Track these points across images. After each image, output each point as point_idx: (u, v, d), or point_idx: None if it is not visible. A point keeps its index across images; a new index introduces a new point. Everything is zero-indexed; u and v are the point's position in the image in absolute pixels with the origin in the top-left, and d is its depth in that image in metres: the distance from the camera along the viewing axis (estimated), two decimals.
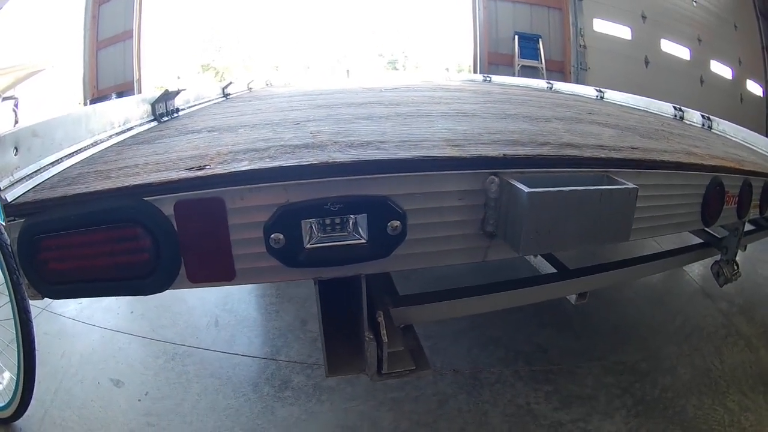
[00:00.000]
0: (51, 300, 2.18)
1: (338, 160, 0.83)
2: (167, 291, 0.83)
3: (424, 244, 0.86)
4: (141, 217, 0.77)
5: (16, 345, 1.48)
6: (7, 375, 1.59)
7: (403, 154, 0.86)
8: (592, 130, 1.51)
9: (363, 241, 0.82)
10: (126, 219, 0.77)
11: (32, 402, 1.50)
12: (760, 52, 6.60)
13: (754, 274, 2.91)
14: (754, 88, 6.51)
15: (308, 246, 0.82)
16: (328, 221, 0.82)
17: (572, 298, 1.36)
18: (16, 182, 0.84)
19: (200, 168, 0.84)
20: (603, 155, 1.05)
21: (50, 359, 1.80)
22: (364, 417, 1.58)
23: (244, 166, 0.84)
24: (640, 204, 1.09)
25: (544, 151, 1.00)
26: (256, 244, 0.81)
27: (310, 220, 0.81)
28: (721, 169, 1.34)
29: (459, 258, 0.90)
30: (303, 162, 0.83)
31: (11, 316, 1.48)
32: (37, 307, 1.92)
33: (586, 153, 1.05)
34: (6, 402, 1.52)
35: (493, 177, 0.85)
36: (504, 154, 0.89)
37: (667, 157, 1.29)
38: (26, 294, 1.42)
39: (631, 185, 0.92)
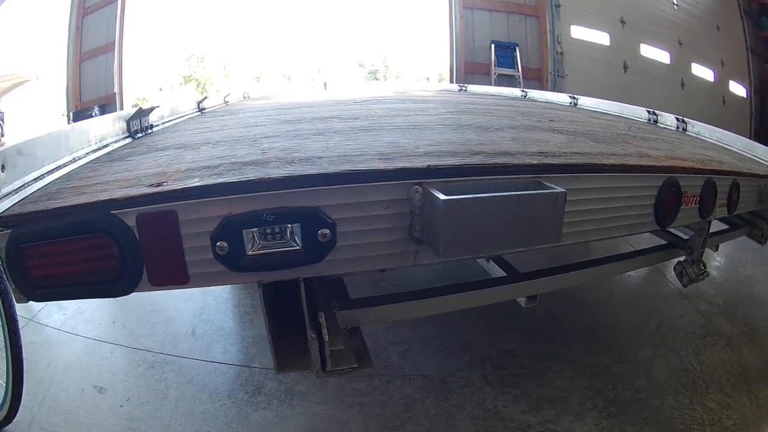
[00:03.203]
0: (37, 311, 2.26)
1: (273, 176, 0.90)
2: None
3: (355, 249, 0.93)
4: (108, 228, 0.86)
5: (4, 354, 1.52)
6: None
7: (332, 169, 0.94)
8: (543, 137, 1.57)
9: (298, 248, 0.90)
10: (96, 230, 0.87)
11: (20, 408, 1.55)
12: (744, 52, 6.64)
13: (736, 273, 2.89)
14: (737, 89, 6.55)
15: (250, 252, 0.90)
16: (268, 230, 0.90)
17: (522, 300, 1.40)
18: (3, 197, 0.93)
19: (158, 185, 0.94)
20: (535, 161, 1.11)
21: (37, 368, 1.85)
22: (333, 420, 1.63)
23: (195, 182, 0.93)
24: (579, 207, 1.13)
25: (474, 160, 1.06)
26: (204, 251, 0.90)
27: (252, 229, 0.89)
28: (677, 169, 1.34)
29: (389, 262, 0.97)
30: (243, 178, 0.91)
31: None
32: (23, 318, 1.97)
33: (517, 160, 1.11)
34: None
35: (417, 187, 0.92)
36: (428, 165, 0.96)
37: (612, 161, 1.30)
38: (14, 301, 1.49)
39: (558, 189, 0.96)
